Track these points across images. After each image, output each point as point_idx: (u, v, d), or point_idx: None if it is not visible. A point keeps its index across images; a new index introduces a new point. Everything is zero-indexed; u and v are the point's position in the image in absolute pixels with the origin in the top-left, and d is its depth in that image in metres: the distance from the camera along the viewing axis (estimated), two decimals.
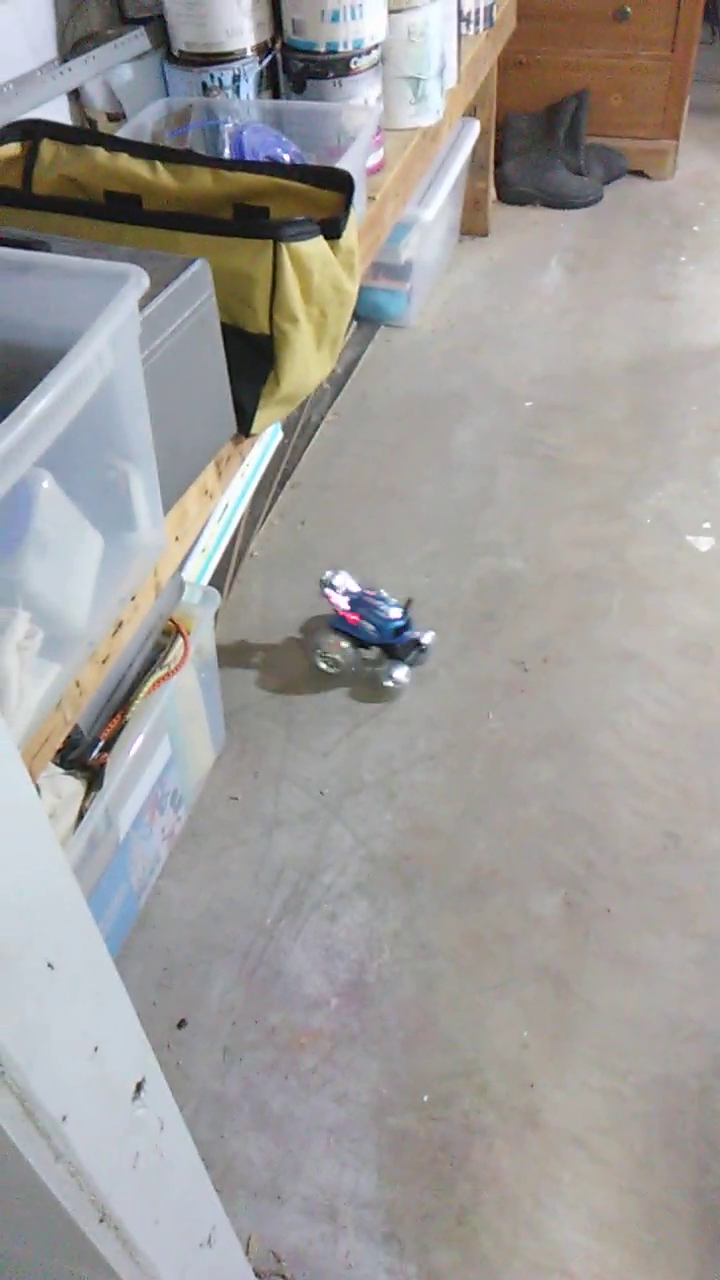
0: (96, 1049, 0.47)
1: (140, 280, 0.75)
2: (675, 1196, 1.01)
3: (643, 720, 1.43)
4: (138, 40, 1.36)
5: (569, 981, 1.17)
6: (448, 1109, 1.08)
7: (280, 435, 1.75)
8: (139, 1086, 0.53)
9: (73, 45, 1.36)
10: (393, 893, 1.26)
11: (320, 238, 1.02)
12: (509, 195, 2.55)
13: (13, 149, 1.12)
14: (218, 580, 1.56)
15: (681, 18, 2.32)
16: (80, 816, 1.05)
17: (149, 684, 1.12)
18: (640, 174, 2.63)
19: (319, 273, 1.03)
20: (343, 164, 1.18)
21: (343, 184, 1.08)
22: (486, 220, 2.45)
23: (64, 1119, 0.45)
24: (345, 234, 1.05)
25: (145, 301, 0.81)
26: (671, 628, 1.55)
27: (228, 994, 1.18)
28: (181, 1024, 1.15)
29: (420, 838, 1.32)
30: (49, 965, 0.41)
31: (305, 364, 1.08)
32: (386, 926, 1.23)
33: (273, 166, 1.12)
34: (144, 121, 1.29)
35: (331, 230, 1.03)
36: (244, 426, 1.08)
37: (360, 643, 1.45)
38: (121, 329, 0.74)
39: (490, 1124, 1.07)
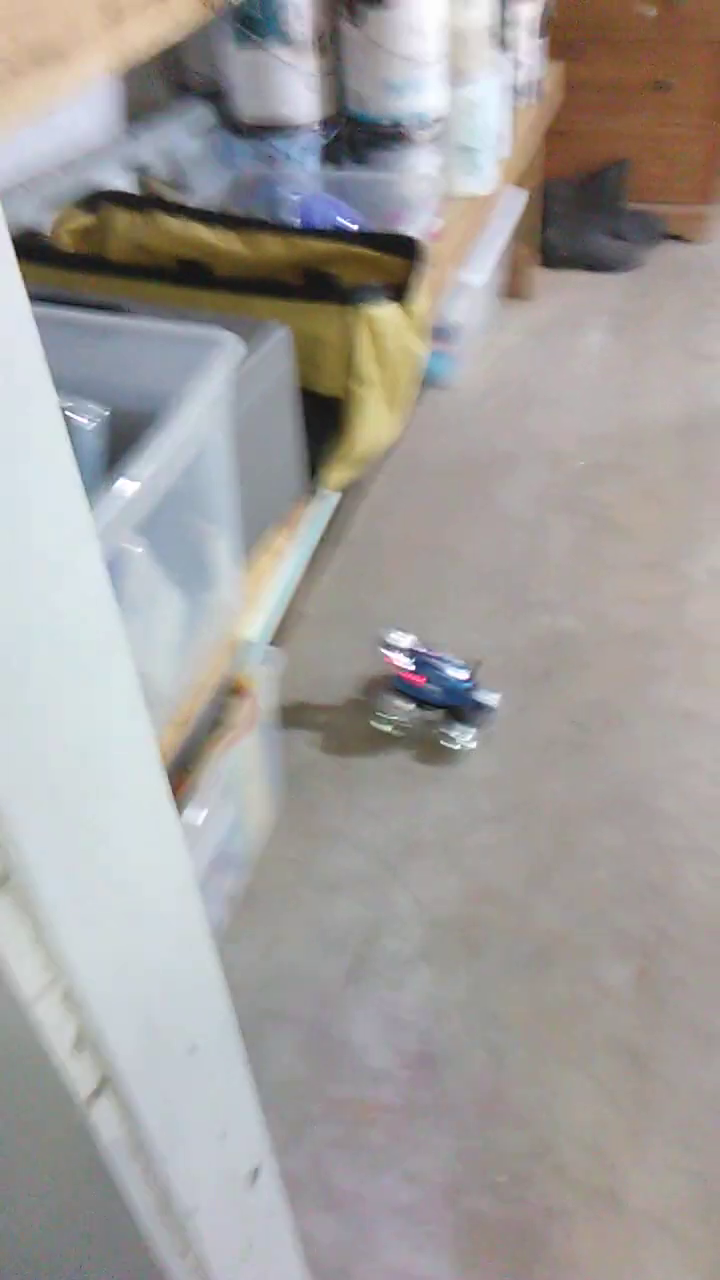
0: (224, 1135, 0.45)
1: (235, 347, 0.76)
2: None
3: (708, 782, 1.40)
4: (201, 114, 1.40)
5: (644, 1056, 1.13)
6: (524, 1189, 1.04)
7: (336, 494, 1.76)
8: (255, 1173, 0.50)
9: (135, 116, 1.40)
10: (458, 960, 1.23)
11: (392, 303, 1.03)
12: (552, 260, 2.59)
13: (87, 219, 1.15)
14: (275, 640, 1.55)
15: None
16: None
17: (216, 744, 1.10)
18: (679, 238, 2.66)
19: (391, 337, 1.04)
20: (408, 230, 1.20)
21: (411, 250, 1.09)
22: (530, 284, 2.49)
23: (195, 1212, 0.43)
24: (416, 298, 1.06)
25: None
26: None
27: (291, 1065, 1.15)
28: None
29: (484, 902, 1.29)
30: (192, 1049, 0.39)
31: (376, 426, 1.09)
32: (452, 995, 1.20)
33: (342, 233, 1.14)
34: (209, 193, 1.32)
35: (402, 296, 1.04)
36: (314, 487, 1.08)
37: (422, 704, 1.44)
38: (217, 397, 0.74)
39: (569, 1206, 1.02)
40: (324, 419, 1.06)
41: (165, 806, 0.36)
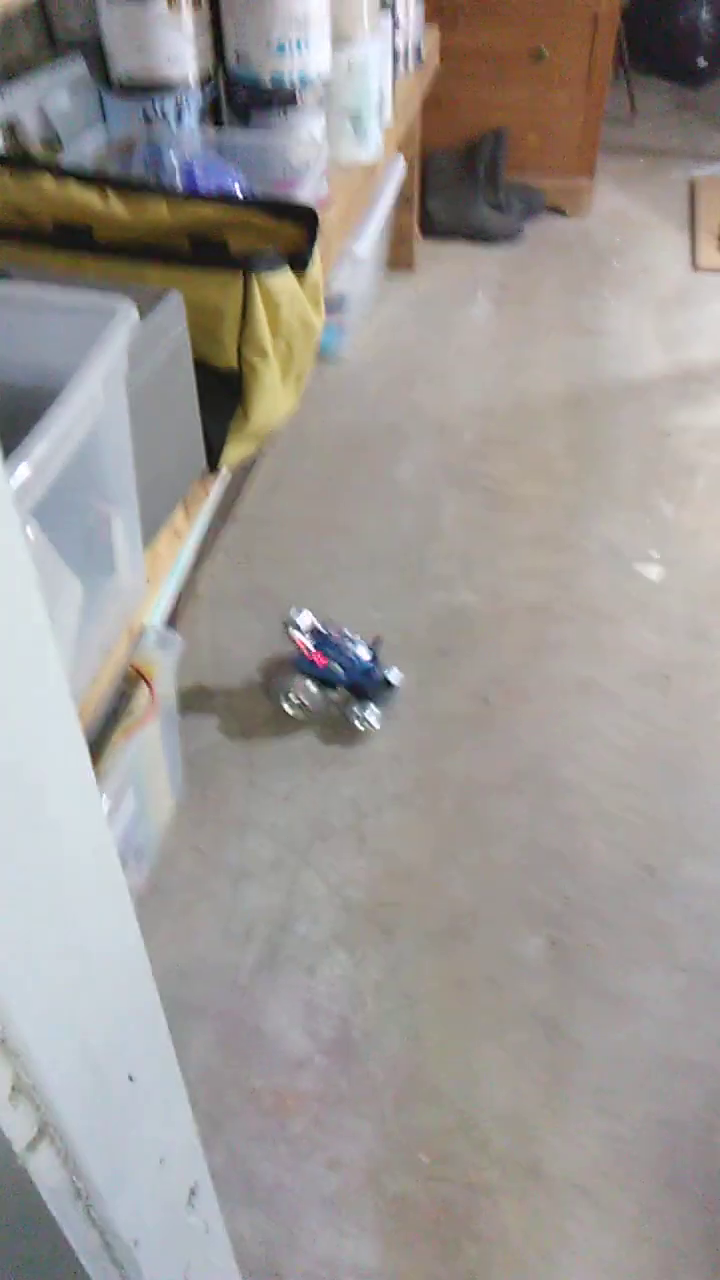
0: (163, 1160, 0.42)
1: (129, 315, 0.71)
2: (684, 1240, 0.99)
3: (607, 750, 1.42)
4: (74, 67, 1.32)
5: (558, 1023, 1.15)
6: (447, 1167, 1.04)
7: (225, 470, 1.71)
8: (193, 1191, 0.48)
9: (2, 71, 1.32)
10: (371, 941, 1.22)
11: (288, 271, 0.99)
12: (433, 230, 2.57)
13: None
14: (170, 621, 1.50)
15: (595, 59, 2.39)
16: None
17: (118, 734, 1.06)
18: (559, 211, 2.68)
19: (287, 306, 1.00)
20: (299, 197, 1.16)
21: (305, 217, 1.05)
22: (412, 255, 2.47)
23: (135, 1244, 0.40)
24: (311, 267, 1.03)
25: None
26: (627, 655, 1.56)
27: (206, 1057, 1.12)
28: None
29: (395, 882, 1.28)
30: (130, 1078, 0.36)
31: (273, 398, 1.05)
32: (367, 977, 1.19)
33: (233, 198, 1.09)
34: (85, 150, 1.25)
35: (298, 264, 1.01)
36: (213, 463, 1.04)
37: (326, 684, 1.41)
38: (113, 369, 0.69)
39: (493, 1180, 1.03)
40: (220, 393, 1.02)
41: (102, 832, 0.33)
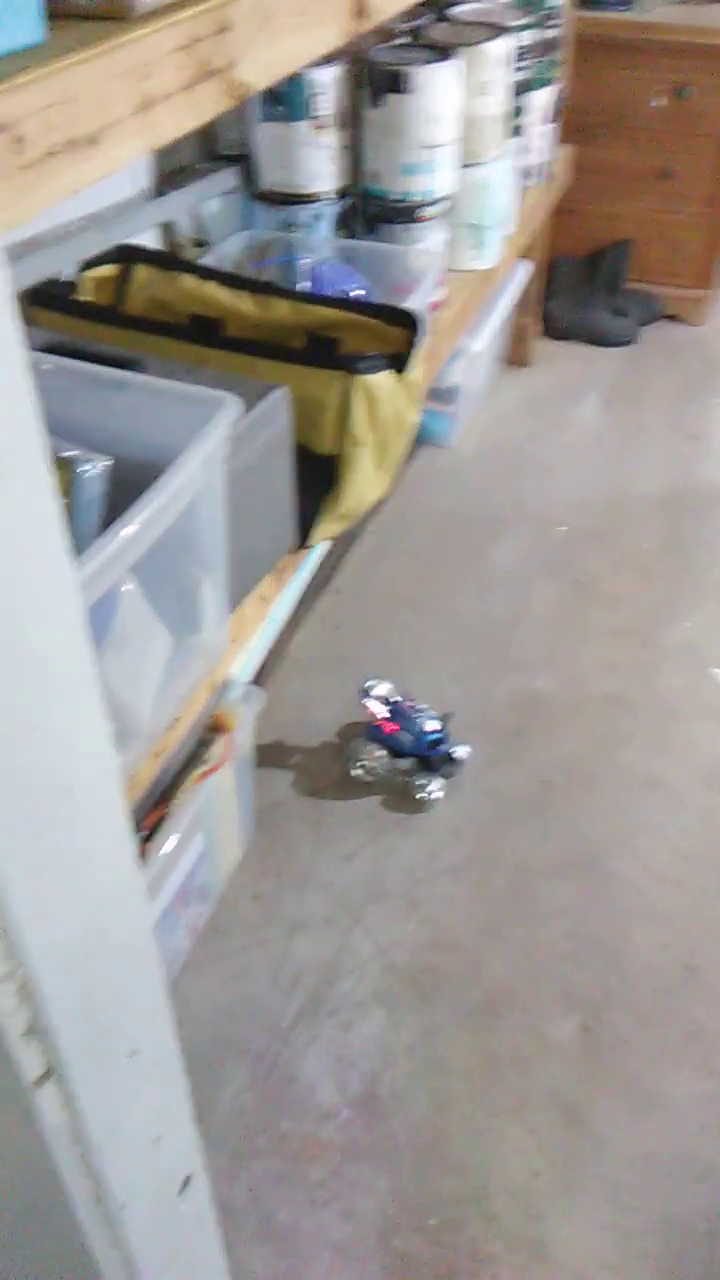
0: (159, 1139, 0.49)
1: (233, 408, 0.82)
2: None
3: (664, 848, 1.45)
4: (227, 178, 1.48)
5: (582, 1112, 1.17)
6: (455, 1234, 1.07)
7: (327, 544, 1.82)
8: (187, 1181, 0.54)
9: (167, 176, 1.47)
10: (410, 1005, 1.27)
11: (388, 371, 1.09)
12: (552, 331, 2.67)
13: (109, 270, 1.21)
14: (258, 679, 1.60)
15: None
16: None
17: (192, 778, 1.15)
18: (676, 319, 2.75)
19: (385, 403, 1.10)
20: (410, 303, 1.27)
21: (411, 322, 1.16)
22: (530, 352, 2.57)
23: (124, 1206, 0.47)
24: (411, 369, 1.13)
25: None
26: (696, 757, 1.58)
27: (240, 1097, 1.18)
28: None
29: (439, 951, 1.32)
30: (132, 1053, 0.44)
31: (365, 484, 1.15)
32: (401, 1039, 1.23)
33: (347, 302, 1.20)
34: (228, 251, 1.39)
35: (399, 365, 1.11)
36: (303, 539, 1.13)
37: (396, 752, 1.48)
38: (213, 453, 0.80)
39: (496, 1253, 1.05)
40: (318, 475, 1.12)
41: (125, 832, 0.41)
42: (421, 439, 2.29)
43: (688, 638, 1.80)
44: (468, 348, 2.05)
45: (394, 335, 1.15)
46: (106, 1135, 0.42)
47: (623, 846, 1.45)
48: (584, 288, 2.68)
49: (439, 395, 2.20)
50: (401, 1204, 1.09)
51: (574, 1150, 1.13)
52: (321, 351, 1.10)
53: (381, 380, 1.07)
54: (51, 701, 0.37)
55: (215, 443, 0.80)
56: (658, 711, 1.66)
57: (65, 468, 0.70)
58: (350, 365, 1.03)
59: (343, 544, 1.98)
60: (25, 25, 0.58)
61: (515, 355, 2.57)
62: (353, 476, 1.11)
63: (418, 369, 1.15)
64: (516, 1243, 1.06)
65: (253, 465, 0.95)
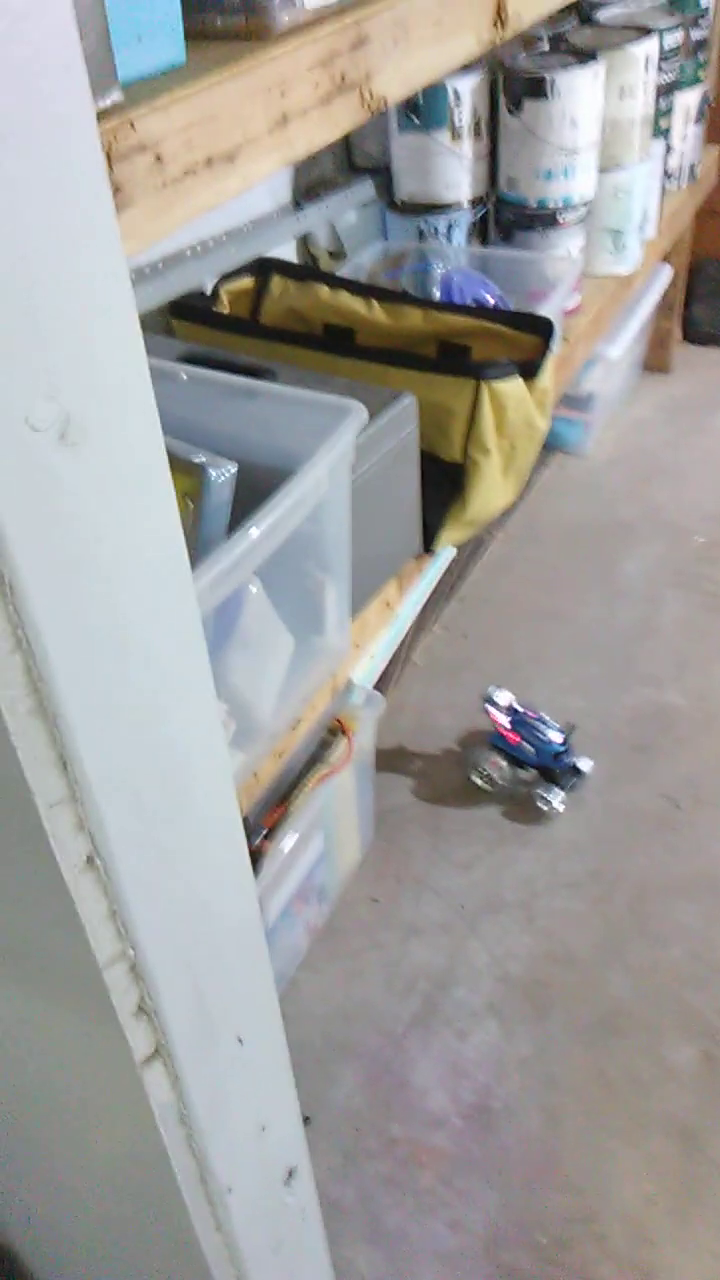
0: (264, 1129, 0.50)
1: (360, 416, 0.83)
2: None
3: None
4: (365, 189, 1.50)
5: (699, 1138, 1.13)
6: (564, 1253, 1.05)
7: (453, 550, 1.82)
8: (291, 1173, 0.55)
9: (305, 189, 1.51)
10: (524, 1018, 1.25)
11: (518, 378, 1.08)
12: (695, 336, 2.60)
13: (247, 282, 1.25)
14: (381, 684, 1.61)
15: None
16: None
17: (313, 779, 1.17)
18: None
19: (514, 410, 1.09)
20: (543, 310, 1.26)
21: (543, 329, 1.15)
22: (670, 358, 2.51)
23: (230, 1190, 0.48)
24: (541, 375, 1.12)
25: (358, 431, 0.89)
26: None
27: (352, 1097, 1.19)
28: (306, 1120, 1.16)
29: (556, 965, 1.31)
30: (239, 1040, 0.45)
31: (492, 491, 1.14)
32: (515, 1052, 1.22)
33: (477, 310, 1.20)
34: (363, 262, 1.41)
35: (529, 372, 1.10)
36: (428, 545, 1.14)
37: (518, 762, 1.47)
38: (339, 459, 0.81)
39: (606, 1276, 1.03)
40: (444, 482, 1.12)
41: (234, 824, 0.42)
42: (555, 446, 2.27)
43: None
44: (604, 354, 2.02)
45: (526, 342, 1.15)
46: (212, 1119, 0.44)
47: None
48: None
49: (573, 402, 2.17)
50: (510, 1218, 1.08)
51: (689, 1177, 1.10)
52: (451, 359, 1.10)
53: (510, 387, 1.06)
54: (167, 699, 0.38)
55: (340, 450, 0.81)
56: None
57: (195, 473, 0.73)
58: (479, 372, 1.03)
59: (470, 551, 1.98)
60: (167, 48, 0.61)
61: (655, 361, 2.51)
62: (479, 484, 1.11)
63: (548, 376, 1.14)
64: (626, 1267, 1.03)
65: (379, 472, 0.97)
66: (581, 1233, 1.06)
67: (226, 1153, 0.47)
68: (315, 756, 1.22)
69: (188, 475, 0.72)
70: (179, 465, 0.75)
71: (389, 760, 1.57)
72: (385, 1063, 1.22)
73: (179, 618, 0.38)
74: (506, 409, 1.08)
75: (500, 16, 1.03)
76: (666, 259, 2.30)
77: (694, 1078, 1.18)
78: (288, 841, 1.13)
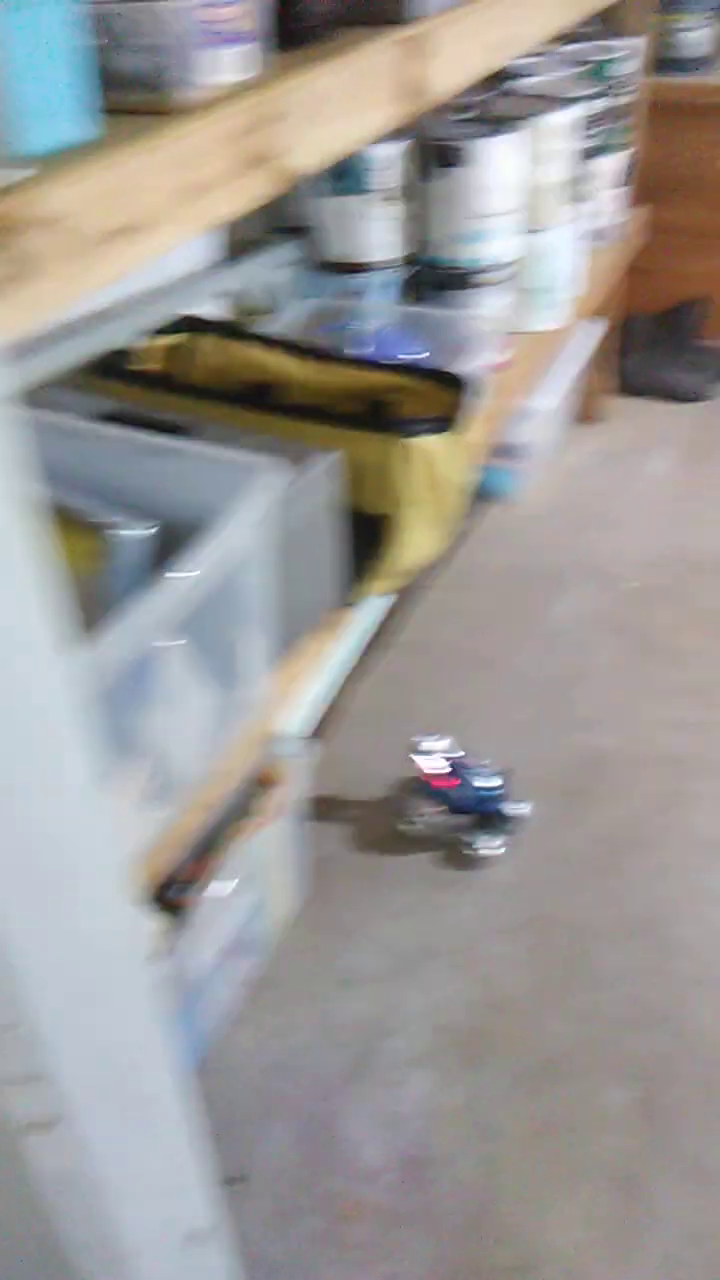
0: (174, 1190, 0.50)
1: (278, 474, 0.85)
2: None
3: None
4: (293, 248, 1.53)
5: (636, 1184, 1.13)
6: None
7: (389, 599, 1.84)
8: (200, 1234, 0.55)
9: (235, 247, 1.54)
10: (460, 1066, 1.25)
11: (439, 434, 1.11)
12: (627, 388, 2.68)
13: (173, 339, 1.27)
14: (317, 733, 1.62)
15: None
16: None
17: (240, 830, 1.17)
18: None
19: (435, 464, 1.12)
20: (463, 366, 1.29)
21: (459, 386, 1.18)
22: (603, 409, 2.58)
23: (135, 1255, 0.48)
24: (462, 430, 1.15)
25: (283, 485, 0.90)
26: None
27: (285, 1153, 1.18)
28: (236, 1180, 1.15)
29: (492, 1012, 1.31)
30: (145, 1101, 0.45)
31: (416, 542, 1.17)
32: (451, 1101, 1.22)
33: (399, 366, 1.23)
34: (292, 318, 1.44)
35: (446, 427, 1.13)
36: (352, 597, 1.16)
37: (455, 809, 1.48)
38: (256, 516, 0.83)
39: None
40: (369, 535, 1.14)
41: (122, 886, 0.43)
42: (489, 495, 2.31)
43: None
44: (536, 406, 2.08)
45: (444, 398, 1.18)
46: (117, 1182, 0.44)
47: (686, 912, 1.42)
48: (658, 345, 2.68)
49: (506, 452, 2.22)
50: (447, 1270, 1.07)
51: (628, 1223, 1.10)
52: (373, 415, 1.13)
53: (429, 443, 1.09)
54: (46, 761, 0.39)
55: (259, 506, 0.83)
56: None
57: (102, 533, 0.74)
58: (398, 428, 1.06)
59: (406, 600, 2.00)
60: (79, 122, 0.63)
61: (588, 412, 2.58)
62: (402, 536, 1.14)
63: (470, 430, 1.17)
64: None
65: (300, 526, 0.98)
66: None
67: (133, 1217, 0.46)
68: (244, 808, 1.22)
69: (95, 536, 0.73)
70: (86, 526, 0.76)
71: (323, 809, 1.57)
72: (319, 1117, 1.21)
73: (53, 688, 0.39)
74: (427, 464, 1.11)
75: (417, 89, 1.07)
76: (597, 315, 2.37)
77: (632, 1123, 1.19)
78: (215, 893, 1.12)
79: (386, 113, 1.02)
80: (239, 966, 1.29)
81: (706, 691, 1.79)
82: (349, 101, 0.95)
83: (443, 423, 1.09)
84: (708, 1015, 1.29)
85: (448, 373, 1.17)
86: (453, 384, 1.17)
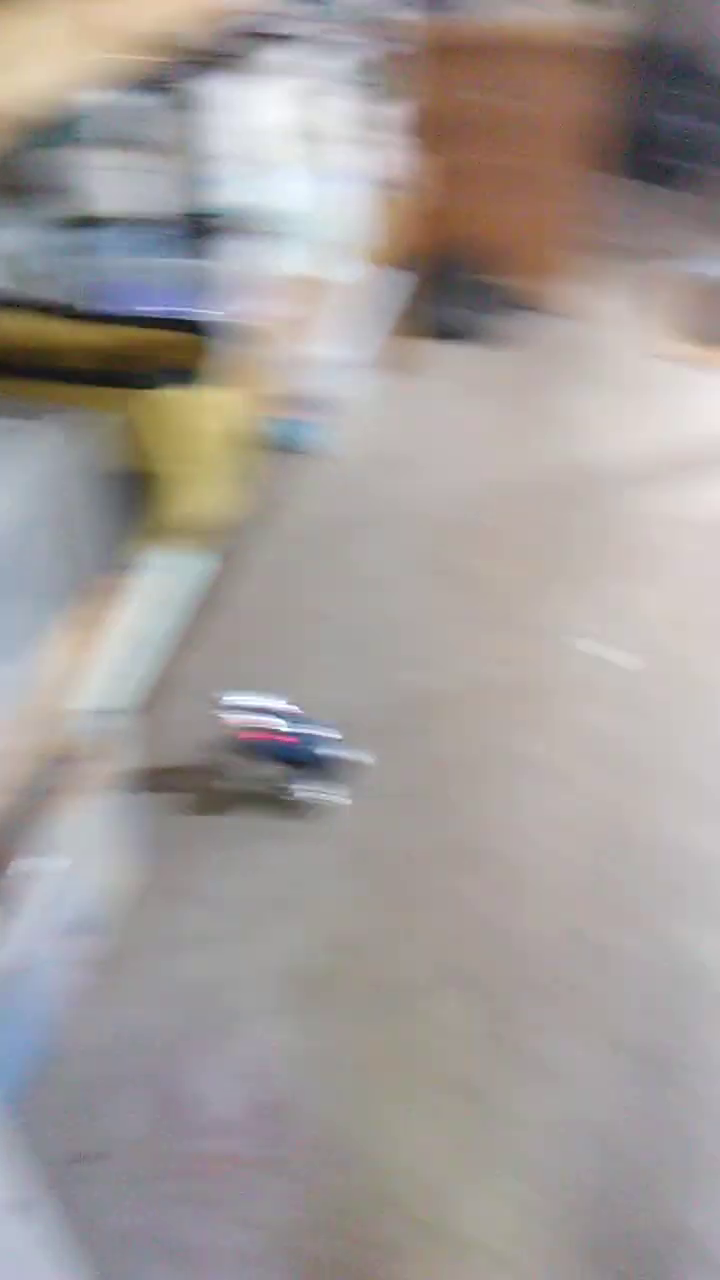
0: None
1: (30, 437, 0.82)
2: None
3: (545, 826, 1.46)
4: (41, 208, 1.48)
5: (479, 1090, 1.17)
6: (362, 1228, 1.06)
7: (203, 562, 1.82)
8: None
9: None
10: (306, 1009, 1.26)
11: (192, 384, 1.10)
12: (442, 333, 2.72)
13: None
14: (144, 706, 1.60)
15: (576, 171, 2.55)
16: None
17: (47, 810, 1.14)
18: (544, 311, 2.83)
19: (189, 416, 1.11)
20: (210, 316, 1.27)
21: (203, 333, 1.17)
22: (413, 357, 2.60)
23: None
24: (213, 380, 1.14)
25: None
26: (576, 734, 1.60)
27: (137, 1123, 1.17)
28: (87, 1157, 1.14)
29: (330, 951, 1.32)
30: None
31: (194, 498, 1.15)
32: (298, 1044, 1.23)
33: (140, 319, 1.21)
34: (43, 281, 1.39)
35: (192, 378, 1.12)
36: (124, 559, 1.14)
37: (288, 761, 1.48)
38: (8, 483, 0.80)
39: (405, 1241, 1.05)
40: (136, 493, 1.13)
41: None
42: (299, 448, 2.30)
43: (566, 621, 1.83)
44: (337, 357, 2.08)
45: (195, 348, 1.17)
46: None
47: (509, 828, 1.46)
48: (455, 289, 2.72)
49: (314, 405, 2.22)
50: (306, 1206, 1.09)
51: (473, 1128, 1.13)
52: (119, 373, 1.11)
53: (174, 395, 1.08)
54: None
55: (14, 473, 0.80)
56: (540, 695, 1.68)
57: None
58: (138, 382, 1.04)
59: (230, 563, 1.99)
60: None
61: (393, 360, 2.60)
62: (169, 490, 1.12)
63: (240, 381, 1.16)
64: (424, 1228, 1.06)
65: (61, 489, 0.96)
66: (376, 1204, 1.08)
67: None
68: (53, 786, 1.20)
69: None
70: None
71: (152, 779, 1.55)
72: (168, 1081, 1.21)
73: None
74: (175, 416, 1.09)
75: (104, 30, 1.03)
76: (402, 264, 2.39)
77: (470, 1035, 1.22)
78: (36, 875, 1.10)
79: (77, 56, 0.99)
80: (79, 945, 1.27)
81: (515, 621, 1.84)
82: (31, 45, 0.92)
83: (185, 374, 1.08)
84: (531, 920, 1.34)
85: (191, 321, 1.15)
86: (201, 331, 1.16)
